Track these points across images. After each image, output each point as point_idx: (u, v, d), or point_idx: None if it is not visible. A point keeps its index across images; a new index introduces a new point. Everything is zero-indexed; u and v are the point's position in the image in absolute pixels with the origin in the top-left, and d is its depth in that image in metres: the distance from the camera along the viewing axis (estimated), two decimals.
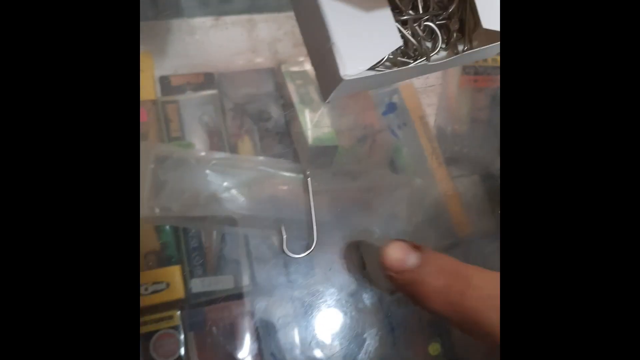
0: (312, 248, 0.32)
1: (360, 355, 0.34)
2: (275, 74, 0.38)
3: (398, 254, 0.26)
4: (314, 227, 0.32)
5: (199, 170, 0.33)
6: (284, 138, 0.37)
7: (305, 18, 0.20)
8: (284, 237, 0.33)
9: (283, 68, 0.37)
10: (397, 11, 0.21)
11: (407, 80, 0.41)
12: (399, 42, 0.18)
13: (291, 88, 0.36)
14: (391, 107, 0.39)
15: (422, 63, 0.21)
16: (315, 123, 0.35)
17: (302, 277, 0.34)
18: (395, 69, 0.22)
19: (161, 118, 0.36)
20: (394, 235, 0.36)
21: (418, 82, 0.41)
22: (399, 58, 0.18)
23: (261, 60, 0.40)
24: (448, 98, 0.41)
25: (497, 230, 0.40)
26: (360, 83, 0.18)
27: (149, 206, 0.33)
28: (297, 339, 0.34)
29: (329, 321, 0.34)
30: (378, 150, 0.37)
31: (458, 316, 0.24)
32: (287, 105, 0.37)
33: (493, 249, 0.39)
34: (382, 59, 0.19)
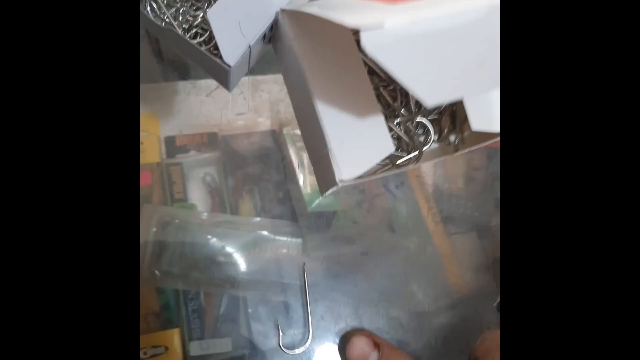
0: (307, 344, 0.33)
1: None
2: (277, 136, 0.39)
3: (360, 351, 0.29)
4: (309, 323, 0.33)
5: (200, 234, 0.34)
6: (284, 199, 0.37)
7: (304, 120, 0.22)
8: (280, 334, 0.33)
9: (284, 130, 0.38)
10: (390, 110, 0.22)
11: None
12: (392, 149, 0.19)
13: (292, 150, 0.37)
14: None
15: (414, 157, 0.22)
16: (314, 188, 0.36)
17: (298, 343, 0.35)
18: (387, 166, 0.23)
19: (165, 180, 0.37)
20: (392, 294, 0.36)
21: None
22: (392, 153, 0.19)
23: (263, 120, 0.41)
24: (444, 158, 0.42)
25: (494, 288, 0.40)
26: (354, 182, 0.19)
27: (150, 269, 0.33)
28: None
29: None
30: (376, 212, 0.37)
31: None
32: (288, 167, 0.38)
33: (489, 308, 0.39)
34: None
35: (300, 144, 0.38)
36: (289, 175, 0.38)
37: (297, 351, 0.33)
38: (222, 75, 0.24)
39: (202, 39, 0.24)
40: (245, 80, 0.42)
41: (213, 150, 0.38)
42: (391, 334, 0.35)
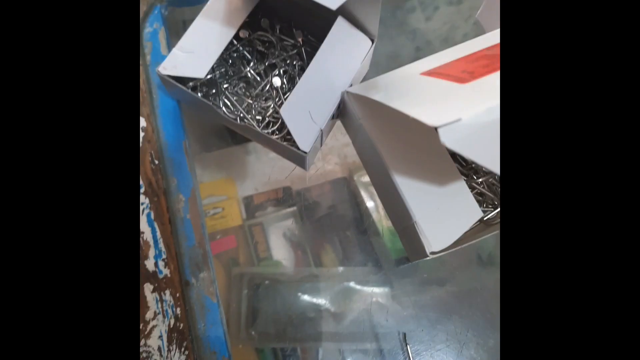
0: None
1: None
2: (349, 183, 0.40)
3: None
4: None
5: (289, 291, 0.35)
6: (365, 245, 0.37)
7: (383, 192, 0.22)
8: None
9: (355, 177, 0.39)
10: (468, 167, 0.22)
11: None
12: (479, 214, 0.18)
13: (365, 196, 0.37)
14: None
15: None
16: (393, 231, 0.36)
17: None
18: (476, 225, 0.22)
19: (249, 240, 0.38)
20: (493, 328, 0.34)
21: None
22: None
23: (332, 167, 0.41)
24: None
25: None
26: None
27: (247, 331, 0.35)
28: None
29: None
30: (461, 250, 0.36)
31: None
32: (364, 213, 0.38)
33: None
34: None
35: (372, 189, 0.38)
36: (366, 221, 0.37)
37: None
38: (299, 159, 0.24)
39: (275, 127, 0.25)
40: None
41: (289, 205, 0.39)
42: None
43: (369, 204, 0.37)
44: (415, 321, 0.34)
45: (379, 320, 0.34)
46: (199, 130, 0.45)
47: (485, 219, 0.21)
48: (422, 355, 0.33)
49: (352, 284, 0.35)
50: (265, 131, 0.25)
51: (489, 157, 0.14)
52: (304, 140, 0.23)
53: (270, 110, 0.25)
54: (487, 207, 0.22)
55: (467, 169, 0.22)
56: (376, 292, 0.34)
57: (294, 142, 0.23)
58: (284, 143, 0.24)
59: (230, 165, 0.43)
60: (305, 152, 0.23)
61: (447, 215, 0.18)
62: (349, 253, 0.38)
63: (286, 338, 0.35)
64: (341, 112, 0.23)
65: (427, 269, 0.35)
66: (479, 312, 0.35)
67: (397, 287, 0.34)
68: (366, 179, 0.38)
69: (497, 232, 0.35)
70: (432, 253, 0.18)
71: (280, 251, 0.38)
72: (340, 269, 0.36)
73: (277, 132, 0.25)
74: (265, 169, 0.42)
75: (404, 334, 0.32)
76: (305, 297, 0.35)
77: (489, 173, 0.22)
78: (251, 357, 0.36)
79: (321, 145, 0.27)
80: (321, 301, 0.35)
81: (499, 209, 0.21)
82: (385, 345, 0.34)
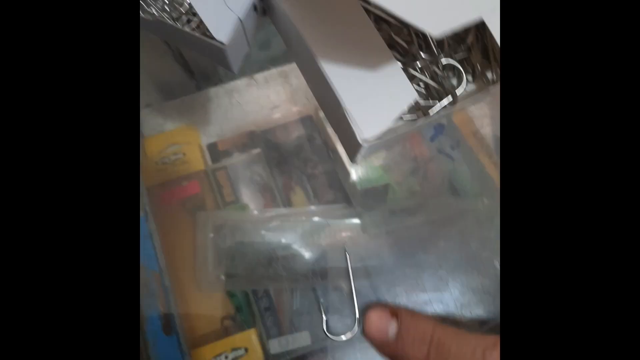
0: (354, 331, 0.31)
1: None
2: (314, 121, 0.38)
3: (378, 324, 0.27)
4: (356, 307, 0.31)
5: (256, 231, 0.34)
6: (335, 183, 0.36)
7: (314, 85, 0.20)
8: (324, 319, 0.32)
9: (320, 113, 0.37)
10: (409, 56, 0.20)
11: None
12: (414, 95, 0.17)
13: (331, 132, 0.36)
14: (439, 130, 0.37)
15: (448, 103, 0.20)
16: (361, 164, 0.34)
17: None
18: (419, 118, 0.20)
19: (214, 186, 0.37)
20: (469, 263, 0.33)
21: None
22: (422, 104, 0.17)
23: (298, 108, 0.40)
24: (498, 104, 0.38)
25: None
26: (386, 140, 0.17)
27: (215, 274, 0.33)
28: None
29: None
30: (433, 178, 0.35)
31: None
32: (331, 150, 0.36)
33: None
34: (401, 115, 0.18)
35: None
36: (333, 158, 0.36)
37: (343, 337, 0.31)
38: (221, 56, 0.22)
39: (194, 24, 0.23)
40: (274, 72, 0.41)
41: (254, 147, 0.38)
42: (471, 308, 0.33)
43: (335, 139, 0.36)
44: (389, 252, 0.32)
45: (350, 254, 0.33)
46: (159, 78, 0.43)
47: (429, 111, 0.20)
48: (396, 287, 0.32)
49: (321, 220, 0.34)
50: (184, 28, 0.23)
51: (407, 5, 0.12)
52: (220, 29, 0.21)
53: (187, 6, 0.23)
54: (433, 100, 0.20)
55: (407, 58, 0.20)
56: (346, 225, 0.33)
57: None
58: (201, 36, 0.22)
59: (193, 112, 0.41)
60: (223, 43, 0.21)
61: (380, 101, 0.17)
62: (319, 193, 0.36)
63: (256, 279, 0.34)
64: (268, 7, 0.21)
65: (396, 200, 0.34)
66: (452, 241, 0.34)
67: (366, 219, 0.33)
68: None
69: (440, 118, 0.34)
70: (365, 141, 0.16)
71: (248, 196, 0.37)
72: (310, 207, 0.35)
73: (196, 30, 0.23)
74: (228, 115, 0.41)
75: (344, 249, 0.31)
76: (273, 236, 0.33)
77: (431, 59, 0.20)
78: (223, 302, 0.35)
79: (249, 46, 0.25)
80: (290, 240, 0.34)
81: (444, 101, 0.20)
82: (357, 280, 0.33)
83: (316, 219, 0.34)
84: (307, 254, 0.34)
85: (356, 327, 0.31)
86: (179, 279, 0.34)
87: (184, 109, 0.41)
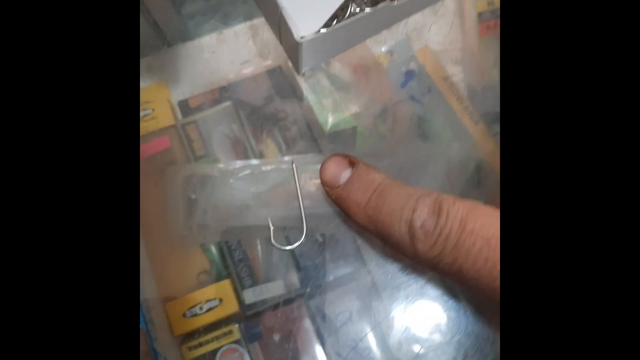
0: (300, 241, 0.31)
1: (437, 334, 0.32)
2: (284, 72, 0.38)
3: (333, 170, 0.27)
4: (303, 218, 0.31)
5: (226, 182, 0.33)
6: (304, 133, 0.36)
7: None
8: (271, 228, 0.32)
9: (289, 63, 0.36)
10: None
11: (423, 43, 0.38)
12: None
13: (301, 81, 0.35)
14: (410, 76, 0.36)
15: (388, 4, 0.19)
16: (329, 109, 0.34)
17: (351, 268, 0.33)
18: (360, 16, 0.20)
19: (184, 140, 0.36)
20: None
21: (435, 43, 0.38)
22: (367, 8, 0.17)
23: (269, 62, 0.39)
24: (470, 51, 0.38)
25: None
26: (329, 43, 0.16)
27: (187, 226, 0.33)
28: (361, 333, 0.33)
29: (389, 307, 0.33)
30: (403, 123, 0.34)
31: (374, 228, 0.25)
32: (301, 100, 0.36)
33: None
34: (344, 13, 0.17)
35: (308, 72, 0.36)
36: (302, 107, 0.36)
37: (287, 247, 0.32)
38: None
39: None
40: (244, 26, 0.41)
41: (224, 100, 0.37)
42: None
43: (304, 88, 0.35)
44: None
45: (320, 202, 0.33)
46: None
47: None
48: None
49: (287, 167, 0.33)
50: None
51: None
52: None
53: None
54: (376, 4, 0.19)
55: None
56: (316, 172, 0.33)
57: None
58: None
59: (163, 69, 0.40)
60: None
61: None
62: (290, 143, 0.36)
63: (228, 231, 0.34)
64: None
65: (365, 145, 0.34)
66: (425, 184, 0.33)
67: None
68: None
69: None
70: (302, 37, 0.16)
71: (218, 149, 0.37)
72: (279, 158, 0.35)
73: None
74: (199, 72, 0.40)
75: (292, 162, 0.31)
76: (243, 187, 0.33)
77: None
78: (196, 255, 0.35)
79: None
80: (261, 189, 0.33)
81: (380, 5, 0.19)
82: (328, 225, 0.33)
83: (285, 166, 0.33)
84: (277, 204, 0.33)
85: (302, 239, 0.32)
86: (152, 238, 0.34)
87: (153, 67, 0.40)
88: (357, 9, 0.19)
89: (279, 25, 0.17)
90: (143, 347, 0.30)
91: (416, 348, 0.32)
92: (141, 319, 0.32)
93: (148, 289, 0.33)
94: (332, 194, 0.27)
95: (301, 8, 0.16)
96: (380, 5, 0.19)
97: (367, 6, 0.19)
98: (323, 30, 0.16)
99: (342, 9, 0.17)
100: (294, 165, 0.32)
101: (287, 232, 0.33)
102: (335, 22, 0.17)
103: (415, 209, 0.23)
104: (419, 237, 0.22)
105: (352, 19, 0.19)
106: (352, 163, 0.27)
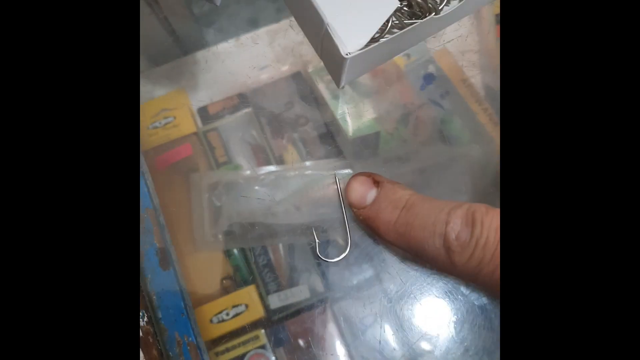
0: (346, 252, 0.32)
1: (461, 338, 0.32)
2: (304, 77, 0.38)
3: (359, 191, 0.27)
4: (348, 229, 0.31)
5: (250, 189, 0.34)
6: (325, 138, 0.36)
7: (297, 10, 0.20)
8: (317, 241, 0.32)
9: (309, 68, 0.37)
10: None
11: (441, 46, 0.38)
12: (395, 4, 0.17)
13: (321, 87, 0.36)
14: (428, 79, 0.36)
15: (431, 18, 0.19)
16: (352, 115, 0.34)
17: (375, 271, 0.33)
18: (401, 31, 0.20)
19: (206, 148, 0.37)
20: None
21: (452, 46, 0.38)
22: (405, 21, 0.17)
23: (287, 67, 0.39)
24: (488, 53, 0.38)
25: None
26: (371, 58, 0.16)
27: (212, 233, 0.34)
28: (386, 336, 0.33)
29: (415, 310, 0.33)
30: (424, 127, 0.35)
31: (407, 245, 0.25)
32: (321, 104, 0.36)
33: None
34: (384, 27, 0.17)
35: (328, 77, 0.36)
36: (323, 112, 0.36)
37: (334, 260, 0.32)
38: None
39: None
40: (261, 32, 0.41)
41: (244, 107, 0.38)
42: None
43: (325, 94, 0.36)
44: None
45: (345, 206, 0.33)
46: (146, 44, 0.42)
47: (408, 24, 0.19)
48: None
49: (314, 173, 0.34)
50: None
51: None
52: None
53: None
54: (416, 18, 0.20)
55: None
56: (339, 177, 0.33)
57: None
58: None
59: (181, 77, 0.40)
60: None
61: (362, 13, 0.17)
62: (311, 149, 0.36)
63: (253, 237, 0.34)
64: None
65: (388, 149, 0.34)
66: (444, 189, 0.34)
67: (358, 169, 0.33)
68: (321, 65, 0.36)
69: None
70: (349, 54, 0.16)
71: (240, 155, 0.37)
72: (302, 163, 0.35)
73: None
74: (218, 78, 0.40)
75: (335, 174, 0.31)
76: (266, 193, 0.34)
77: None
78: (221, 262, 0.35)
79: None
80: (285, 195, 0.34)
81: (429, 16, 0.20)
82: (355, 233, 0.33)
83: (309, 172, 0.34)
84: (302, 208, 0.34)
85: (347, 251, 0.32)
86: (178, 246, 0.34)
87: (172, 75, 0.41)
88: (397, 22, 0.19)
89: (322, 40, 0.17)
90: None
91: (447, 350, 0.32)
92: (190, 331, 0.32)
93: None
94: (360, 215, 0.27)
95: (347, 24, 0.16)
96: (426, 19, 0.19)
97: (405, 19, 0.19)
98: (368, 46, 0.16)
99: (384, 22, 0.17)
100: (336, 178, 0.32)
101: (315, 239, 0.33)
102: (378, 36, 0.18)
103: (448, 221, 0.23)
104: (456, 250, 0.22)
105: (397, 33, 0.19)
106: (377, 182, 0.27)
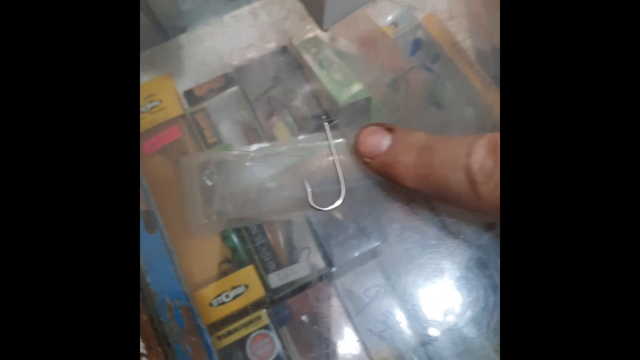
0: (340, 201, 0.31)
1: (466, 308, 0.32)
2: (290, 51, 0.37)
3: (373, 139, 0.26)
4: (341, 179, 0.30)
5: (241, 166, 0.33)
6: (315, 110, 0.35)
7: None
8: (309, 190, 0.31)
9: (295, 42, 0.36)
10: None
11: (427, 12, 0.38)
12: None
13: (308, 58, 0.35)
14: (417, 45, 0.36)
15: None
16: (341, 83, 0.33)
17: (374, 243, 0.33)
18: None
19: (194, 129, 0.36)
20: None
21: (439, 11, 0.38)
22: None
23: (273, 44, 0.39)
24: (476, 14, 0.37)
25: None
26: None
27: (205, 214, 0.33)
28: (390, 307, 0.32)
29: (416, 281, 0.32)
30: (415, 92, 0.34)
31: (429, 186, 0.24)
32: (308, 76, 0.35)
33: None
34: None
35: (315, 48, 0.35)
36: (312, 84, 0.35)
37: (326, 208, 0.32)
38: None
39: None
40: (243, 10, 0.40)
41: (230, 86, 0.37)
42: (468, 216, 0.32)
43: (313, 65, 0.35)
44: None
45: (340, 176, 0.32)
46: None
47: None
48: (385, 203, 0.32)
49: (306, 145, 0.33)
50: None
51: None
52: None
53: None
54: None
55: None
56: (331, 148, 0.32)
57: None
58: None
59: (165, 62, 0.40)
60: None
61: None
62: (302, 123, 0.35)
63: (247, 216, 0.33)
64: None
65: (380, 115, 0.33)
66: None
67: (352, 137, 0.32)
68: (306, 36, 0.35)
69: None
70: None
71: (230, 135, 0.36)
72: (293, 138, 0.34)
73: None
74: (203, 60, 0.39)
75: (323, 117, 0.30)
76: (261, 169, 0.33)
77: None
78: (217, 244, 0.34)
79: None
80: (278, 170, 0.33)
81: None
82: (354, 207, 0.32)
83: (301, 145, 0.33)
84: (295, 184, 0.33)
85: (341, 200, 0.31)
86: (173, 231, 0.33)
87: (155, 61, 0.40)
88: None
89: None
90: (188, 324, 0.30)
91: (449, 319, 0.32)
92: (181, 294, 0.31)
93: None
94: (375, 164, 0.26)
95: None
96: None
97: None
98: None
99: None
100: (325, 123, 0.31)
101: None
102: None
103: (470, 153, 0.22)
104: (480, 180, 0.21)
105: None
106: (390, 129, 0.26)
